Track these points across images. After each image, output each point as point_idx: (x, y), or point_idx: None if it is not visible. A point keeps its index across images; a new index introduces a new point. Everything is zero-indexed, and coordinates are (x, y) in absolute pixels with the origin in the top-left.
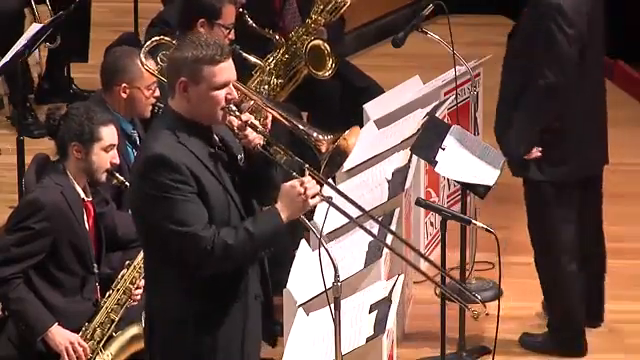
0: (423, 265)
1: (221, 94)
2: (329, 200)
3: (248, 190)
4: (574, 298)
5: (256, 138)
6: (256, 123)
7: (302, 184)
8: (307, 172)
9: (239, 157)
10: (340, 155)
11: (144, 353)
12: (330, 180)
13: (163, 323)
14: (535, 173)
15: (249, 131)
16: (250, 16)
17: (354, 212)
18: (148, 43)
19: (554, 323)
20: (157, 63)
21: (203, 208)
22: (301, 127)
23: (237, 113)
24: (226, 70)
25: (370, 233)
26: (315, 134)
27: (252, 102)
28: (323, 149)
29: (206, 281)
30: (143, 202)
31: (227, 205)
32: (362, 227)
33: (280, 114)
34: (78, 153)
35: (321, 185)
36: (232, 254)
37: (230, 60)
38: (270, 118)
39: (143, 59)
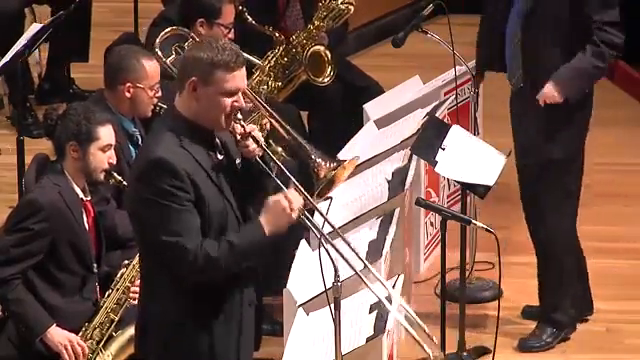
0: (423, 267)
1: (228, 100)
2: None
3: (245, 196)
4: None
5: (256, 149)
6: (258, 135)
7: (286, 198)
8: (292, 186)
9: (237, 162)
10: (332, 182)
11: None
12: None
13: (158, 326)
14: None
15: (250, 142)
16: (250, 14)
17: (354, 213)
18: (163, 34)
19: (549, 309)
20: (163, 58)
21: (197, 217)
22: (305, 147)
23: (242, 122)
24: (238, 78)
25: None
26: (318, 160)
27: (252, 106)
28: (321, 174)
29: (201, 286)
30: (140, 205)
31: (225, 212)
32: (338, 250)
33: (286, 130)
34: (75, 153)
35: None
36: (214, 266)
37: (243, 69)
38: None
39: (159, 52)
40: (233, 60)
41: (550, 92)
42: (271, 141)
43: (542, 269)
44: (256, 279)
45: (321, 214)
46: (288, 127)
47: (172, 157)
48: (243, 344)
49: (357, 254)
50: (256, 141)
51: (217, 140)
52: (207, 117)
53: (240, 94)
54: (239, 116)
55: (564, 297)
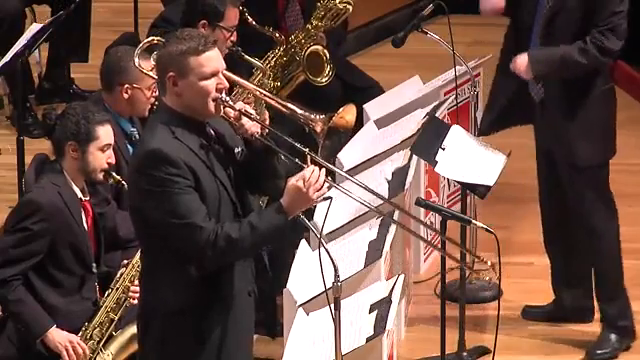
0: (423, 267)
1: (211, 84)
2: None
3: (247, 183)
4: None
5: (252, 126)
6: (251, 111)
7: (306, 181)
8: (309, 159)
9: (236, 150)
10: (338, 134)
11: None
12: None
13: (159, 321)
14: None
15: (245, 120)
16: (250, 14)
17: (354, 213)
18: (141, 45)
19: (614, 315)
20: (142, 67)
21: (200, 201)
22: (293, 109)
23: (230, 103)
24: (212, 59)
25: (379, 212)
26: (307, 114)
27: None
28: (318, 129)
29: (200, 278)
30: (141, 198)
31: (219, 198)
32: (371, 207)
33: (271, 98)
34: (74, 152)
35: (326, 172)
36: (235, 247)
37: (216, 49)
38: (267, 117)
39: (136, 60)
40: (202, 44)
41: (521, 64)
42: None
43: (597, 277)
44: (259, 268)
45: (345, 176)
46: (274, 96)
47: (166, 147)
48: (242, 333)
49: (371, 191)
50: (249, 116)
51: (211, 131)
52: (195, 107)
53: (221, 75)
54: (226, 98)
55: (623, 301)
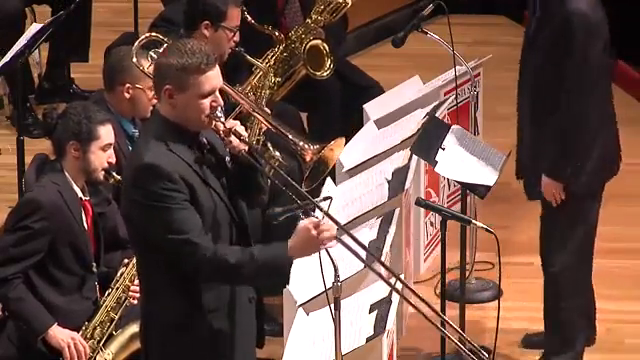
0: (423, 267)
1: (206, 102)
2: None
3: (236, 192)
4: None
5: (240, 145)
6: (240, 130)
7: (317, 227)
8: (323, 213)
9: (227, 159)
10: (323, 165)
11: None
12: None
13: (158, 326)
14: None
15: (233, 138)
16: (250, 14)
17: (354, 213)
18: (138, 41)
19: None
20: (139, 65)
21: (197, 215)
22: (287, 135)
23: (222, 120)
24: (212, 78)
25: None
26: (301, 143)
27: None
28: (307, 158)
29: (200, 284)
30: (136, 210)
31: (215, 208)
32: (367, 265)
33: (267, 120)
34: (76, 152)
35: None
36: (229, 271)
37: (217, 68)
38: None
39: (134, 58)
40: (204, 62)
41: (552, 189)
42: (269, 145)
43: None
44: None
45: (353, 238)
46: (269, 118)
47: (161, 161)
48: (244, 340)
49: (368, 250)
50: (238, 136)
51: (204, 139)
52: (188, 120)
53: (217, 92)
54: (219, 114)
55: (565, 346)
